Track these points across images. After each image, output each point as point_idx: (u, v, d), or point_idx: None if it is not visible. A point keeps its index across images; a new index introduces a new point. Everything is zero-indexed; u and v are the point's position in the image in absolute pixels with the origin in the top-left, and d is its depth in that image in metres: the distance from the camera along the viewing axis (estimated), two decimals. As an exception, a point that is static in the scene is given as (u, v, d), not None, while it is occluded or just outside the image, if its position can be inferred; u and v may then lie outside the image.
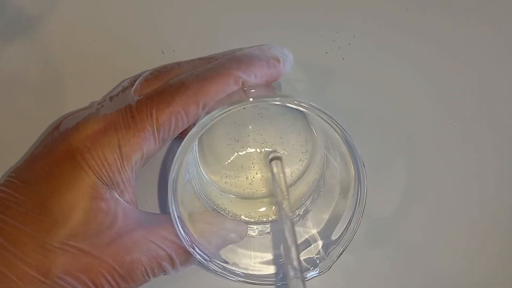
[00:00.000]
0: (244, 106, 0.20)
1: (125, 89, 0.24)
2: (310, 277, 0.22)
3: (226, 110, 0.20)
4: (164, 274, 0.23)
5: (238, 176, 0.25)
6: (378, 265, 0.28)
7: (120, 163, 0.21)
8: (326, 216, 0.25)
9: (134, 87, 0.23)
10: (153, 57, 0.30)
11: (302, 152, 0.25)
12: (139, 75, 0.24)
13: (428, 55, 0.31)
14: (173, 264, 0.23)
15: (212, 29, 0.31)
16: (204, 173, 0.26)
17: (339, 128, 0.21)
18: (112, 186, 0.22)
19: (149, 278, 0.22)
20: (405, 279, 0.28)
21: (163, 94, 0.22)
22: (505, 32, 0.31)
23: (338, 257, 0.22)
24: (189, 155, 0.25)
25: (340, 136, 0.21)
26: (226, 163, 0.25)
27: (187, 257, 0.23)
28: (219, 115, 0.20)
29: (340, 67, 0.30)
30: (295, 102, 0.20)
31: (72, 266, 0.20)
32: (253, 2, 0.31)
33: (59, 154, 0.22)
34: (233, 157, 0.25)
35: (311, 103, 0.20)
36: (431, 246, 0.28)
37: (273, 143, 0.25)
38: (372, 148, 0.29)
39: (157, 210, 0.28)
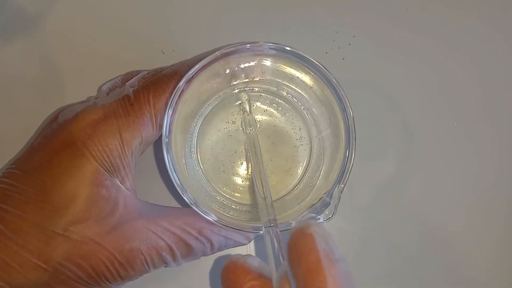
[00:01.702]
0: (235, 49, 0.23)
1: (120, 86, 0.24)
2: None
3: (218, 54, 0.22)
4: (165, 266, 0.23)
5: (232, 164, 0.26)
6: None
7: (121, 148, 0.22)
8: (322, 168, 0.26)
9: (131, 81, 0.24)
10: (153, 57, 0.30)
11: (297, 139, 0.26)
12: (130, 73, 0.26)
13: (428, 55, 0.31)
14: (173, 256, 0.23)
15: (212, 29, 0.31)
16: (203, 172, 0.26)
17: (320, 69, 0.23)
18: (114, 171, 0.22)
19: (149, 268, 0.22)
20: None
21: (158, 82, 0.23)
22: (505, 32, 0.31)
23: (340, 196, 0.22)
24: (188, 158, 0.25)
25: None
26: (222, 149, 0.26)
27: (188, 249, 0.23)
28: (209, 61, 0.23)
29: (340, 67, 0.30)
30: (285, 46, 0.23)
31: (73, 253, 0.20)
32: (253, 2, 0.31)
33: (59, 143, 0.22)
34: (227, 141, 0.26)
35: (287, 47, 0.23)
36: (427, 241, 0.28)
37: (268, 131, 0.26)
38: (371, 148, 0.29)
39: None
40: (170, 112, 0.22)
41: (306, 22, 0.31)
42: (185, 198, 0.22)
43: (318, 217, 0.22)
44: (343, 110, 0.23)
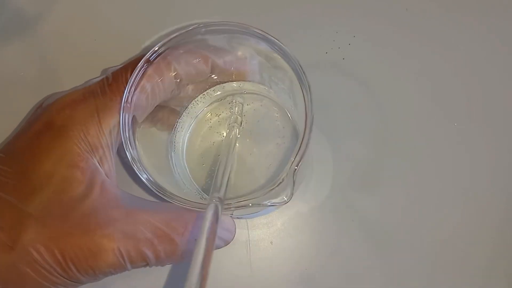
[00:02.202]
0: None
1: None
2: (272, 204, 0.21)
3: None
4: (146, 265, 0.21)
5: (211, 156, 0.26)
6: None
7: (98, 127, 0.22)
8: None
9: (114, 67, 0.24)
10: (153, 57, 0.30)
11: (279, 137, 0.26)
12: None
13: (428, 55, 0.31)
14: (154, 252, 0.21)
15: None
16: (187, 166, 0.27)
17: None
18: (91, 151, 0.22)
19: (124, 262, 0.20)
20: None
21: (136, 62, 0.23)
22: (505, 32, 0.31)
23: (294, 179, 0.21)
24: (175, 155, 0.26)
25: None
26: (201, 141, 0.27)
27: (171, 246, 0.21)
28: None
29: (340, 67, 0.30)
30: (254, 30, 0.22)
31: (42, 235, 0.20)
32: (253, 2, 0.31)
33: (40, 125, 0.22)
34: (207, 132, 0.27)
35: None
36: (426, 242, 0.28)
37: (251, 127, 0.27)
38: (371, 148, 0.29)
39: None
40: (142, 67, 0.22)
41: (306, 22, 0.31)
42: (127, 153, 0.21)
43: (276, 199, 0.21)
44: (303, 91, 0.22)
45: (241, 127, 0.26)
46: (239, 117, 0.26)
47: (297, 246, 0.28)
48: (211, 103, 0.27)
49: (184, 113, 0.27)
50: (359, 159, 0.29)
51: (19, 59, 0.30)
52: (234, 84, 0.27)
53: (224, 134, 0.27)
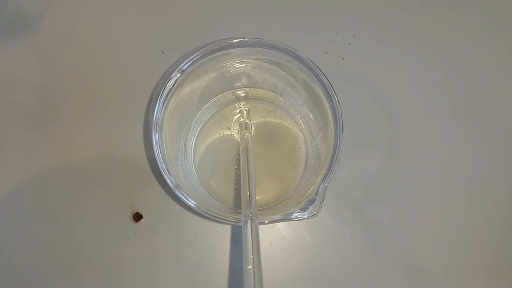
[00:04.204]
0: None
1: None
2: (301, 218, 0.22)
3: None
4: None
5: (225, 167, 0.26)
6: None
7: None
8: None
9: None
10: (153, 57, 0.30)
11: (290, 148, 0.27)
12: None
13: (428, 55, 0.31)
14: None
15: (212, 29, 0.31)
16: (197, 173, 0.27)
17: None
18: None
19: None
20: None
21: None
22: (505, 32, 0.31)
23: (324, 194, 0.22)
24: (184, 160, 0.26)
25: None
26: (216, 151, 0.26)
27: None
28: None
29: (340, 67, 0.30)
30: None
31: None
32: (254, 3, 0.31)
33: None
34: (221, 143, 0.27)
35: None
36: (428, 245, 0.28)
37: (262, 137, 0.27)
38: (370, 147, 0.29)
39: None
40: (162, 99, 0.23)
41: (306, 22, 0.31)
42: (167, 181, 0.22)
43: (304, 213, 0.22)
44: (333, 109, 0.23)
45: (251, 134, 0.26)
46: (247, 121, 0.26)
47: (297, 246, 0.28)
48: (220, 109, 0.27)
49: (194, 118, 0.27)
50: (357, 159, 0.29)
51: (19, 59, 0.30)
52: (242, 90, 0.27)
53: (233, 135, 0.26)
